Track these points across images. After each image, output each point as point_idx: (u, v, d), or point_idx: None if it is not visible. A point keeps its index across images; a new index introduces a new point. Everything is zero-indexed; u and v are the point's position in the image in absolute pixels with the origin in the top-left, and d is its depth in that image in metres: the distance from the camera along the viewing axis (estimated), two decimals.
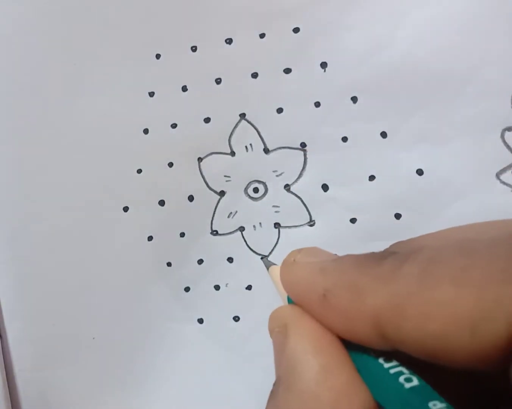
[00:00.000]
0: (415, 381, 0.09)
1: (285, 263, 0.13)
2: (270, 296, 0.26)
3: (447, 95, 0.24)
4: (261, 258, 0.25)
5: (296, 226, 0.26)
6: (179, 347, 0.27)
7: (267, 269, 0.13)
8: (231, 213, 0.26)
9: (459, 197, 0.24)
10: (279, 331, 0.12)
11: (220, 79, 0.25)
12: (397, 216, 0.25)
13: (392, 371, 0.10)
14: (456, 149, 0.24)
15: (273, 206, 0.26)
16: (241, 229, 0.26)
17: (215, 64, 0.25)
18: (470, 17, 0.23)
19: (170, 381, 0.27)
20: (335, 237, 0.25)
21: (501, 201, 0.24)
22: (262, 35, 0.25)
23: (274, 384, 0.11)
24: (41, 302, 0.27)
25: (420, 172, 0.24)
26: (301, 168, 0.25)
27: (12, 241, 0.27)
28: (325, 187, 0.25)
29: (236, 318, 0.26)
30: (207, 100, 0.25)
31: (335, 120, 0.25)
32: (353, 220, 0.25)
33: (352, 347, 0.10)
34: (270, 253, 0.26)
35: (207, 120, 0.26)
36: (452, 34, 0.23)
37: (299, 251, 0.13)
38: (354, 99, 0.25)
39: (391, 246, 0.12)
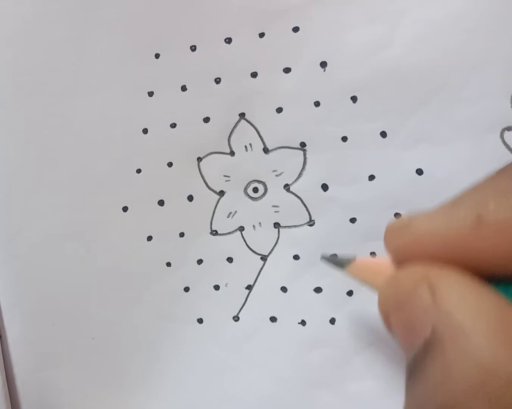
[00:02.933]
0: None
1: (397, 228, 0.10)
2: (270, 296, 0.26)
3: (447, 95, 0.24)
4: (321, 258, 0.21)
5: (295, 226, 0.26)
6: (179, 347, 0.27)
7: (341, 266, 0.12)
8: (230, 213, 0.26)
9: None
10: (414, 292, 0.10)
11: (219, 78, 0.25)
12: (397, 216, 0.25)
13: None
14: (456, 149, 0.24)
15: (273, 206, 0.26)
16: (241, 229, 0.26)
17: (215, 63, 0.25)
18: (470, 17, 0.23)
19: (170, 381, 0.27)
20: (335, 236, 0.25)
21: None
22: (261, 35, 0.25)
23: (425, 346, 0.09)
24: (41, 302, 0.27)
25: (420, 172, 0.24)
26: (300, 168, 0.25)
27: (12, 241, 0.27)
28: (324, 187, 0.25)
29: (236, 318, 0.26)
30: (207, 100, 0.25)
31: (335, 119, 0.25)
32: (353, 220, 0.25)
33: (500, 286, 0.09)
34: (270, 253, 0.26)
35: (206, 119, 0.26)
36: (452, 34, 0.23)
37: (405, 215, 0.11)
38: (354, 99, 0.25)
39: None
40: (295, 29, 0.24)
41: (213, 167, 0.26)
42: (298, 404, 0.26)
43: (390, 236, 0.11)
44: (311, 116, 0.25)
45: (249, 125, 0.26)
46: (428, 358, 0.09)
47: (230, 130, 0.26)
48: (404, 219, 0.11)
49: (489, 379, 0.08)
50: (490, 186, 0.09)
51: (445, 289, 0.09)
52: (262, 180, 0.26)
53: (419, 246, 0.10)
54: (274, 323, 0.26)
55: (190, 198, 0.26)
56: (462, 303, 0.09)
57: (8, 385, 0.27)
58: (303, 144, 0.25)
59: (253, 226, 0.26)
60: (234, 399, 0.26)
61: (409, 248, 0.10)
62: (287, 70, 0.25)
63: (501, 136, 0.24)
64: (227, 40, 0.25)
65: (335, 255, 0.20)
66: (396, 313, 0.10)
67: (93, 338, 0.27)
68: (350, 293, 0.25)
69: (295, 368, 0.26)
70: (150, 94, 0.26)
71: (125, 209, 0.26)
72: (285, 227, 0.26)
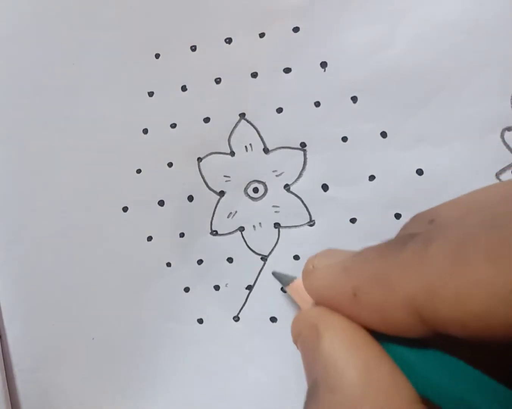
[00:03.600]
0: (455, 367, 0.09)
1: (305, 273, 0.12)
2: (270, 296, 0.26)
3: (447, 95, 0.24)
4: (272, 273, 0.25)
5: (296, 226, 0.26)
6: (179, 347, 0.27)
7: (284, 284, 0.13)
8: (230, 213, 0.26)
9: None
10: (308, 333, 0.11)
11: (219, 78, 0.25)
12: (397, 216, 0.25)
13: (429, 359, 0.10)
14: (456, 149, 0.24)
15: (273, 206, 0.26)
16: (241, 229, 0.26)
17: (215, 63, 0.25)
18: (470, 17, 0.23)
19: (170, 381, 0.27)
20: (335, 237, 0.25)
21: None
22: (262, 35, 0.25)
23: (310, 388, 0.11)
24: (41, 302, 0.27)
25: (420, 172, 0.24)
26: (301, 168, 0.25)
27: (12, 241, 0.27)
28: (325, 187, 0.25)
29: (236, 318, 0.26)
30: (207, 100, 0.25)
31: (335, 120, 0.25)
32: (353, 220, 0.25)
33: (385, 342, 0.10)
34: (270, 253, 0.26)
35: (206, 120, 0.26)
36: (452, 34, 0.23)
37: (315, 256, 0.12)
38: (354, 99, 0.25)
39: (409, 222, 0.12)
40: (295, 29, 0.24)
41: (213, 167, 0.26)
42: (298, 404, 0.26)
43: (303, 277, 0.12)
44: (311, 116, 0.25)
45: (249, 125, 0.26)
46: (309, 398, 0.11)
47: (230, 130, 0.26)
48: (309, 263, 0.12)
49: None
50: (369, 266, 0.10)
51: (328, 338, 0.10)
52: (262, 180, 0.26)
53: (316, 293, 0.12)
54: (274, 323, 0.26)
55: (190, 198, 0.26)
56: (340, 352, 0.10)
57: (8, 385, 0.27)
58: (303, 144, 0.25)
59: (253, 226, 0.26)
60: (234, 399, 0.26)
61: (311, 292, 0.12)
62: (287, 70, 0.25)
63: (502, 136, 0.24)
64: (227, 40, 0.25)
65: (281, 274, 0.23)
66: (299, 346, 0.12)
67: (93, 338, 0.27)
68: None
69: (295, 368, 0.26)
70: (150, 94, 0.26)
71: (125, 209, 0.26)
72: (285, 227, 0.26)
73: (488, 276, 0.09)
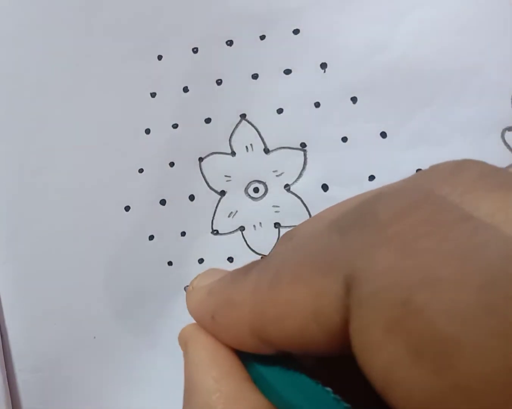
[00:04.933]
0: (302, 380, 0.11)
1: (187, 292, 0.14)
2: None
3: (447, 95, 0.24)
4: (184, 288, 0.26)
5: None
6: (180, 347, 0.27)
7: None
8: (231, 212, 0.26)
9: None
10: (182, 347, 0.13)
11: (221, 80, 0.26)
12: None
13: (279, 372, 0.11)
14: (456, 149, 0.24)
15: (273, 206, 0.26)
16: (242, 228, 0.26)
17: (216, 65, 0.25)
18: (470, 17, 0.23)
19: (170, 380, 0.27)
20: None
21: None
22: (262, 37, 0.25)
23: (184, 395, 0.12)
24: (42, 302, 0.27)
25: None
26: (301, 168, 0.26)
27: (12, 241, 0.27)
28: (325, 187, 0.25)
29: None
30: (208, 101, 0.26)
31: (335, 120, 0.25)
32: None
33: (248, 357, 0.11)
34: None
35: (208, 120, 0.26)
36: (452, 34, 0.24)
37: (196, 277, 0.14)
38: (354, 100, 0.25)
39: (280, 238, 0.14)
40: (296, 31, 0.25)
41: (214, 167, 0.26)
42: None
43: (186, 298, 0.14)
44: (311, 117, 0.25)
45: (250, 125, 0.26)
46: (183, 401, 0.12)
47: (231, 130, 0.26)
48: (191, 284, 0.14)
49: None
50: (224, 290, 0.12)
51: (191, 352, 0.12)
52: (262, 180, 0.26)
53: (190, 313, 0.13)
54: None
55: (192, 197, 0.26)
56: (198, 365, 0.12)
57: (9, 384, 0.27)
58: (303, 145, 0.25)
59: (254, 226, 0.26)
60: None
61: (190, 312, 0.13)
62: (287, 71, 0.25)
63: (502, 136, 0.24)
64: (228, 42, 0.25)
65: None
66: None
67: (94, 338, 0.27)
68: None
69: None
70: (153, 95, 0.26)
71: (127, 208, 0.27)
72: (285, 227, 0.26)
73: (294, 296, 0.09)
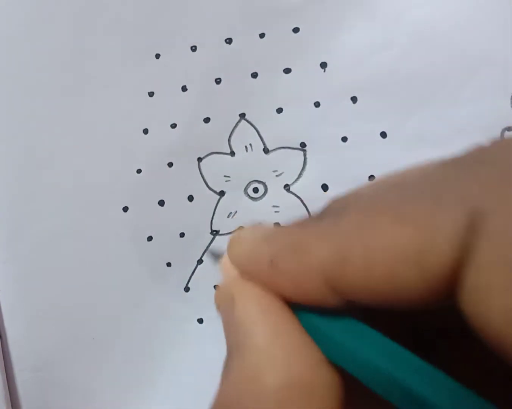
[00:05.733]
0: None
1: (230, 242, 0.12)
2: None
3: (447, 95, 0.24)
4: (209, 251, 0.24)
5: None
6: (179, 347, 0.27)
7: (217, 259, 0.13)
8: (231, 213, 0.26)
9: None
10: (225, 303, 0.12)
11: (220, 79, 0.25)
12: None
13: (343, 328, 0.10)
14: (456, 149, 0.24)
15: (273, 206, 0.26)
16: None
17: (215, 64, 0.25)
18: (470, 17, 0.23)
19: (170, 381, 0.27)
20: None
21: None
22: (262, 35, 0.25)
23: (226, 359, 0.11)
24: (41, 302, 0.27)
25: None
26: (300, 168, 0.25)
27: (12, 241, 0.27)
28: (324, 187, 0.25)
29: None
30: (207, 100, 0.25)
31: (334, 120, 0.25)
32: None
33: (300, 311, 0.11)
34: None
35: (206, 120, 0.26)
36: (452, 34, 0.23)
37: (242, 229, 0.12)
38: (353, 99, 0.25)
39: (331, 201, 0.12)
40: (295, 30, 0.24)
41: (214, 167, 0.26)
42: None
43: (228, 247, 0.12)
44: (311, 116, 0.25)
45: (249, 125, 0.26)
46: (224, 366, 0.11)
47: (231, 130, 0.26)
48: (236, 234, 0.12)
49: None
50: (288, 236, 0.11)
51: (241, 305, 0.11)
52: (262, 180, 0.26)
53: (238, 263, 0.12)
54: None
55: (191, 198, 0.26)
56: (250, 318, 0.10)
57: (8, 384, 0.27)
58: (303, 145, 0.25)
59: None
60: None
61: (233, 261, 0.12)
62: (287, 70, 0.25)
63: (502, 136, 0.24)
64: (227, 40, 0.25)
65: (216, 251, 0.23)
66: (220, 317, 0.12)
67: (93, 338, 0.27)
68: None
69: None
70: (151, 94, 0.26)
71: (125, 209, 0.26)
72: None
73: (394, 237, 0.08)
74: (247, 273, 0.11)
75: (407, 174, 0.11)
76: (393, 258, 0.08)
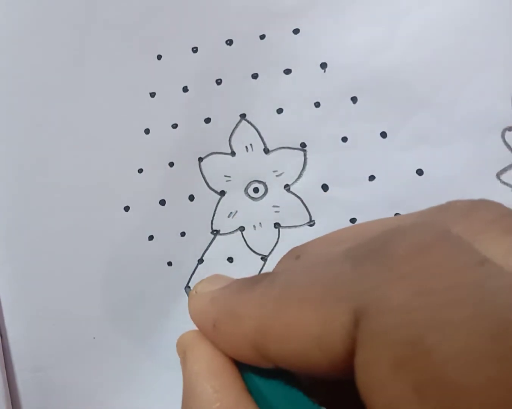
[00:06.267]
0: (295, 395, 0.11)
1: (189, 296, 0.14)
2: None
3: (447, 95, 0.24)
4: (185, 288, 0.26)
5: (296, 226, 0.26)
6: None
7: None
8: (231, 213, 0.26)
9: (460, 197, 0.24)
10: (180, 355, 0.13)
11: (220, 79, 0.26)
12: (397, 216, 0.25)
13: (276, 387, 0.11)
14: (457, 149, 0.24)
15: (273, 206, 0.26)
16: (241, 229, 0.26)
17: (216, 64, 0.25)
18: (470, 17, 0.23)
19: (170, 381, 0.27)
20: None
21: (501, 201, 0.24)
22: (262, 36, 0.25)
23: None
24: (41, 302, 0.27)
25: (420, 172, 0.24)
26: (301, 168, 0.26)
27: (12, 241, 0.27)
28: (325, 187, 0.25)
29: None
30: (208, 101, 0.26)
31: (335, 120, 0.25)
32: (353, 220, 0.25)
33: (246, 368, 0.11)
34: (270, 253, 0.26)
35: (207, 120, 0.26)
36: (452, 34, 0.24)
37: (200, 281, 0.14)
38: (354, 99, 0.25)
39: (285, 255, 0.13)
40: (296, 31, 0.25)
41: (214, 167, 0.26)
42: None
43: (188, 301, 0.14)
44: (311, 116, 0.25)
45: (250, 125, 0.26)
46: None
47: (231, 130, 0.26)
48: (194, 288, 0.13)
49: None
50: (228, 300, 0.12)
51: (190, 361, 0.12)
52: (262, 180, 0.26)
53: (192, 318, 0.13)
54: None
55: (191, 198, 0.26)
56: (197, 375, 0.11)
57: (8, 384, 0.27)
58: (303, 145, 0.25)
59: (254, 226, 0.26)
60: None
61: (190, 316, 0.13)
62: (287, 71, 0.25)
63: (502, 136, 0.24)
64: (228, 41, 0.25)
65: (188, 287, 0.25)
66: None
67: (93, 338, 0.27)
68: None
69: None
70: (152, 94, 0.26)
71: (126, 208, 0.26)
72: (285, 227, 0.26)
73: (300, 320, 0.09)
74: (199, 329, 0.12)
75: (346, 237, 0.12)
76: (300, 337, 0.09)
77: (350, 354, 0.09)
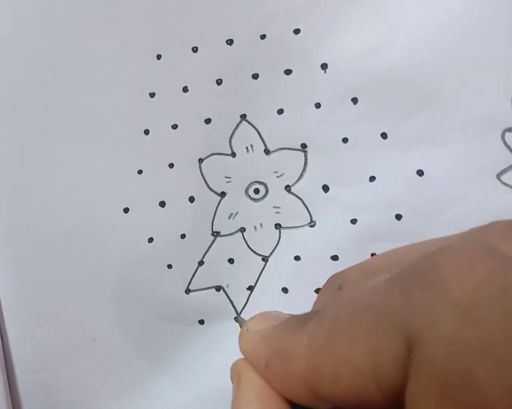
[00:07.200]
0: None
1: (241, 333, 0.14)
2: (271, 297, 0.26)
3: (447, 96, 0.24)
4: (235, 319, 0.26)
5: (296, 227, 0.26)
6: (180, 348, 0.27)
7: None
8: (231, 214, 0.26)
9: (460, 198, 0.24)
10: (234, 381, 0.13)
11: (221, 80, 0.25)
12: (398, 217, 0.25)
13: None
14: (457, 149, 0.24)
15: (274, 206, 0.26)
16: (242, 230, 0.26)
17: (216, 65, 0.25)
18: (470, 17, 0.23)
19: (171, 382, 0.27)
20: (336, 238, 0.25)
21: (501, 201, 0.24)
22: (262, 36, 0.25)
23: None
24: (42, 303, 0.27)
25: (420, 172, 0.24)
26: (301, 169, 0.25)
27: (12, 241, 0.27)
28: (325, 188, 0.25)
29: (237, 320, 0.26)
30: (208, 101, 0.25)
31: (335, 121, 0.25)
32: (353, 221, 0.25)
33: (300, 406, 0.11)
34: (271, 253, 0.26)
35: (207, 121, 0.26)
36: (452, 34, 0.23)
37: (250, 319, 0.14)
38: (354, 100, 0.25)
39: (325, 284, 0.13)
40: (296, 31, 0.24)
41: (214, 168, 0.26)
42: None
43: (239, 338, 0.14)
44: (312, 117, 0.25)
45: (250, 126, 0.26)
46: None
47: (231, 131, 0.26)
48: (245, 326, 0.14)
49: None
50: (279, 339, 0.12)
51: (243, 390, 0.12)
52: (263, 181, 0.26)
53: (247, 355, 0.13)
54: None
55: (192, 199, 0.26)
56: (246, 404, 0.12)
57: (9, 385, 0.27)
58: (304, 145, 0.25)
59: (254, 227, 0.26)
60: None
61: (242, 353, 0.13)
62: (288, 71, 0.25)
63: (502, 137, 0.24)
64: (228, 41, 0.25)
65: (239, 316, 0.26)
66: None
67: (94, 339, 0.27)
68: None
69: None
70: (152, 95, 0.26)
71: (126, 210, 0.26)
72: (286, 228, 0.26)
73: (348, 353, 0.09)
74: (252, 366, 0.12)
75: (391, 261, 0.12)
76: (352, 373, 0.09)
77: (405, 384, 0.09)
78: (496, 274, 0.08)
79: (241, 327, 0.14)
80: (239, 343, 0.13)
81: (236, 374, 0.13)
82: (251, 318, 0.14)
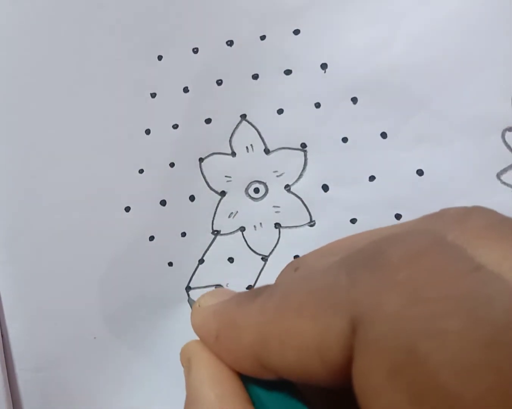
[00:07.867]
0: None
1: (193, 308, 0.14)
2: None
3: (447, 95, 0.24)
4: (188, 300, 0.26)
5: (296, 226, 0.26)
6: (180, 347, 0.27)
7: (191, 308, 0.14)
8: (231, 213, 0.26)
9: (460, 198, 0.24)
10: (185, 364, 0.13)
11: (221, 80, 0.26)
12: (398, 216, 0.25)
13: (277, 398, 0.11)
14: (457, 149, 0.24)
15: (274, 206, 0.26)
16: (242, 229, 0.26)
17: (216, 65, 0.25)
18: (470, 17, 0.23)
19: (171, 381, 0.27)
20: (335, 237, 0.25)
21: (502, 201, 0.24)
22: (262, 37, 0.25)
23: None
24: (42, 302, 0.27)
25: (420, 172, 0.24)
26: (301, 168, 0.26)
27: (13, 241, 0.27)
28: (325, 188, 0.25)
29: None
30: (208, 101, 0.26)
31: (335, 120, 0.25)
32: (353, 221, 0.25)
33: (249, 380, 0.12)
34: (271, 253, 0.26)
35: (208, 120, 0.26)
36: (452, 34, 0.24)
37: (203, 296, 0.14)
38: (354, 100, 0.25)
39: (285, 267, 0.13)
40: (296, 32, 0.25)
41: (215, 167, 0.26)
42: None
43: (191, 314, 0.14)
44: (311, 117, 0.25)
45: (250, 126, 0.26)
46: None
47: (232, 131, 0.26)
48: (197, 302, 0.14)
49: None
50: (229, 313, 0.12)
51: (194, 371, 0.12)
52: (263, 180, 0.26)
53: (194, 331, 0.13)
54: None
55: (192, 198, 0.26)
56: (201, 384, 0.12)
57: (9, 384, 0.27)
58: (303, 145, 0.25)
59: (254, 226, 0.26)
60: None
61: (193, 328, 0.14)
62: (288, 72, 0.25)
63: (503, 136, 0.24)
64: (228, 42, 0.25)
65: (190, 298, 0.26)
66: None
67: (94, 338, 0.27)
68: None
69: None
70: (153, 95, 0.26)
71: (127, 209, 0.26)
72: (286, 227, 0.26)
73: (299, 329, 0.10)
74: (202, 341, 0.13)
75: (342, 247, 0.12)
76: (299, 347, 0.10)
77: (349, 363, 0.09)
78: (439, 261, 0.08)
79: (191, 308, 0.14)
80: (191, 319, 0.13)
81: (185, 358, 0.13)
82: (203, 295, 0.14)
